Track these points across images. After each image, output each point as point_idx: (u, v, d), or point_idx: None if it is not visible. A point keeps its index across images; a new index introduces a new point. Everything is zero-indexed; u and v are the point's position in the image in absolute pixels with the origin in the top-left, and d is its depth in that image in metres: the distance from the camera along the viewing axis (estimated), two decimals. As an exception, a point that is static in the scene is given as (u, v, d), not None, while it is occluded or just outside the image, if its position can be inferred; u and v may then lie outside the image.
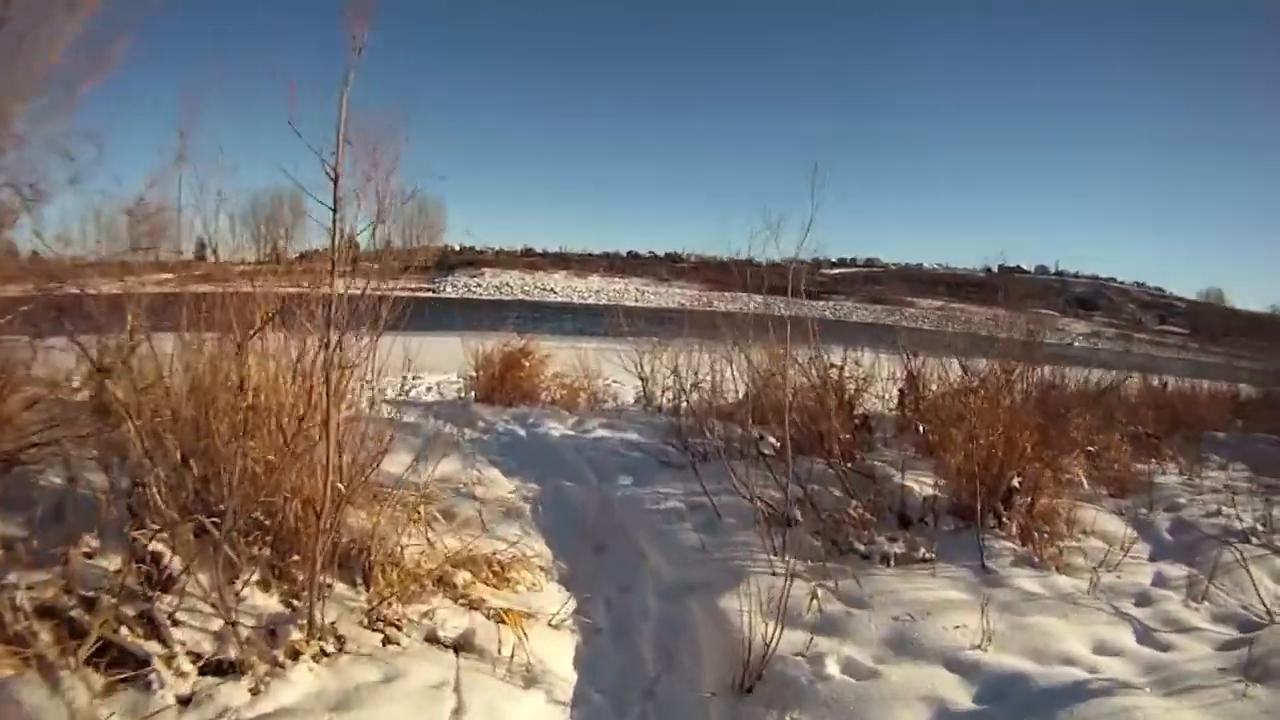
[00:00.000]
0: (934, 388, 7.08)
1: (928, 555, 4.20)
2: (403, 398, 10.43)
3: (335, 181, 2.68)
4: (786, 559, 3.80)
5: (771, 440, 4.91)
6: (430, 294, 65.91)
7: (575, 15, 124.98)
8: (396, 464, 5.17)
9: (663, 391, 8.61)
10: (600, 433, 6.91)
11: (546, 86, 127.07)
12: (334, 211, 2.71)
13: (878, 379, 7.46)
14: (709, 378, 7.56)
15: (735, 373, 6.67)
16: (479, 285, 71.80)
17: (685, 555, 4.04)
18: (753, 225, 5.14)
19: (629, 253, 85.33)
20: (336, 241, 2.86)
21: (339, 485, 3.05)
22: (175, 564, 2.85)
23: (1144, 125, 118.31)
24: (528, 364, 8.76)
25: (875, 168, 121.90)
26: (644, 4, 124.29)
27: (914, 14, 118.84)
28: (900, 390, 7.69)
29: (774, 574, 3.67)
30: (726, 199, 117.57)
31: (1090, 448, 6.01)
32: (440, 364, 10.78)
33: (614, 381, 10.96)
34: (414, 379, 12.78)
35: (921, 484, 5.10)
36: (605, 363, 9.59)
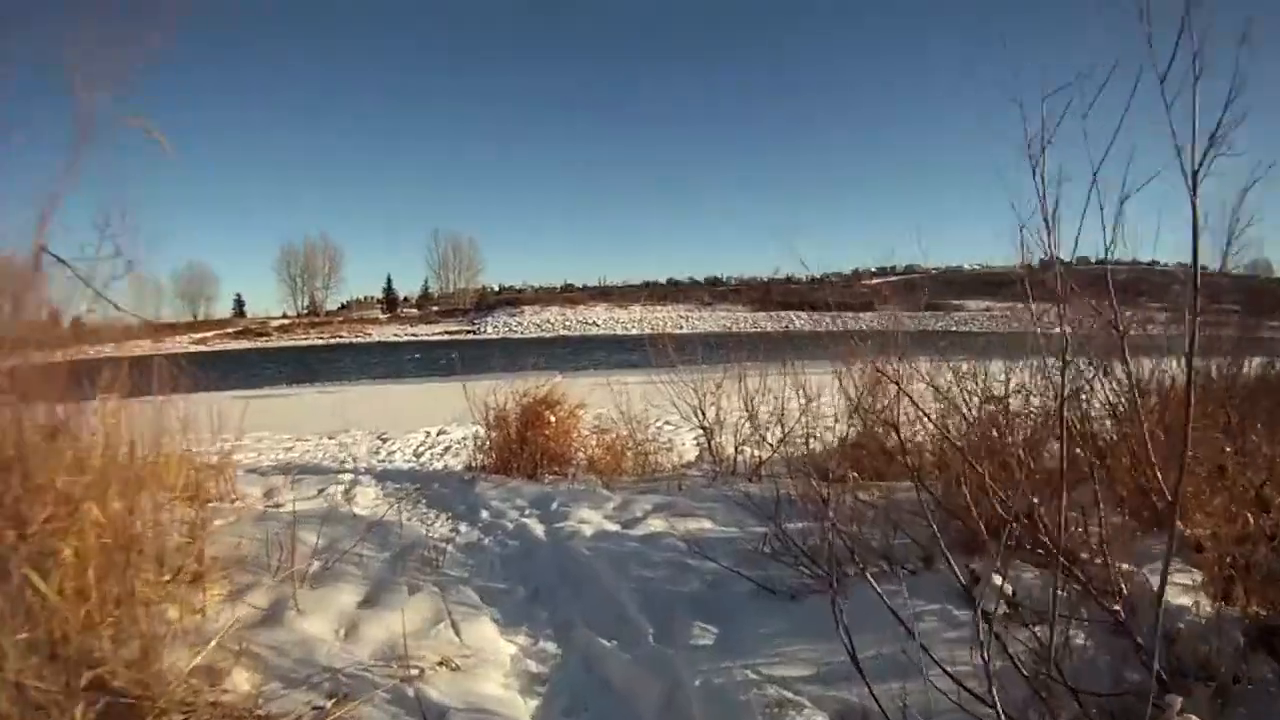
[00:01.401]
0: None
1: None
2: (412, 463, 8.48)
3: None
4: None
5: (1007, 589, 2.70)
6: (470, 335, 65.74)
7: (605, 47, 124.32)
8: (324, 617, 3.15)
9: (738, 444, 6.41)
10: (654, 524, 4.70)
11: (574, 120, 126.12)
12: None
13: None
14: (797, 417, 5.49)
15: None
16: (519, 324, 71.28)
17: None
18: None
19: (669, 280, 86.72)
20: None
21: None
22: None
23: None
24: (554, 418, 6.67)
25: (900, 172, 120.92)
26: (672, 37, 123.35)
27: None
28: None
29: None
30: (762, 219, 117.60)
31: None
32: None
33: (665, 424, 8.85)
34: (439, 434, 10.87)
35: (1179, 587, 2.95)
36: (653, 405, 7.41)
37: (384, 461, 8.49)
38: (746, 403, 6.28)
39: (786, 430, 5.69)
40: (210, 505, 5.96)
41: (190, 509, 5.56)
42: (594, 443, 6.84)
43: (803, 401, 5.87)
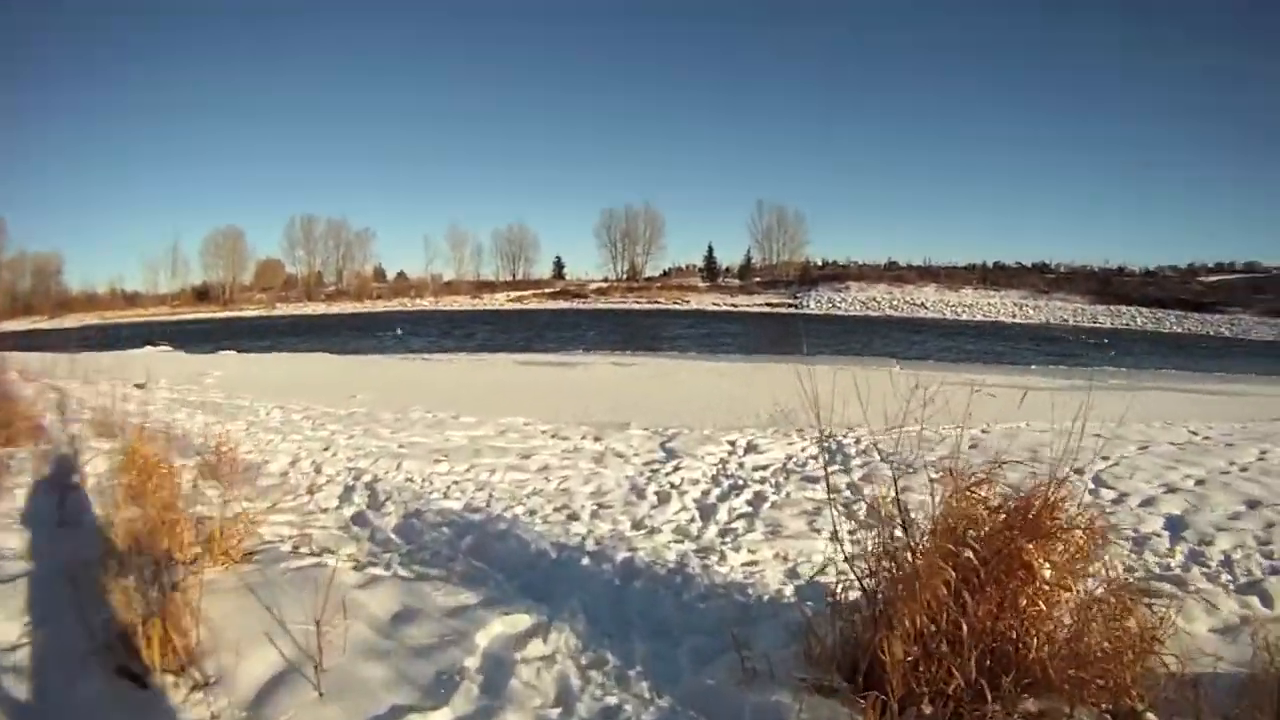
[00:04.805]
0: None
1: None
2: (683, 539, 4.62)
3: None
4: None
5: None
6: (792, 309, 61.81)
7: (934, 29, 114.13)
8: None
9: None
10: None
11: (907, 98, 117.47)
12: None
13: None
14: None
15: None
16: (843, 300, 66.99)
17: None
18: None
19: (995, 264, 79.17)
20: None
21: None
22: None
23: None
24: (1048, 566, 2.34)
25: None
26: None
27: None
28: None
29: None
30: (1091, 205, 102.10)
31: None
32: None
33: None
34: (746, 450, 7.17)
35: None
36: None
37: (641, 528, 4.74)
38: None
39: None
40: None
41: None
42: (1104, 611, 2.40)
43: None
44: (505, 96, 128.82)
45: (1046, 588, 2.42)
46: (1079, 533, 2.52)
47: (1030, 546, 2.39)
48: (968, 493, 2.57)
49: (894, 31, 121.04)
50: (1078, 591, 2.53)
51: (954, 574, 2.30)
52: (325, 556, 3.63)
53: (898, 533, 2.58)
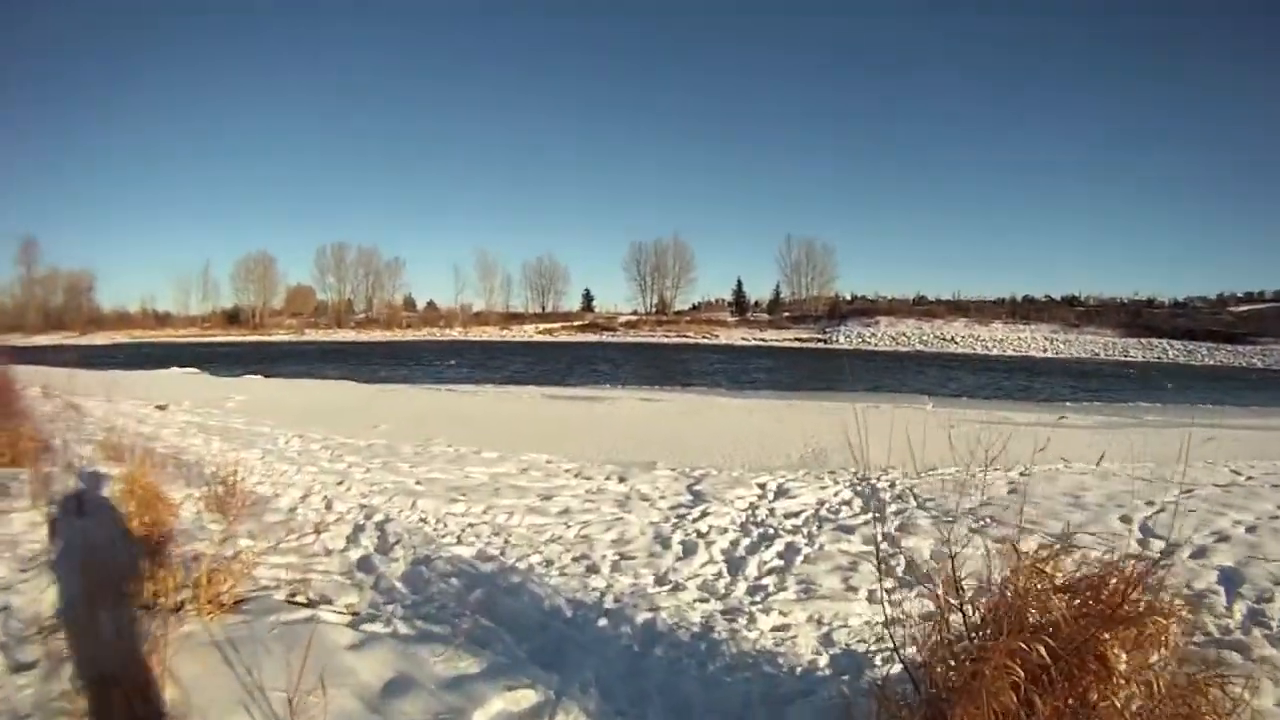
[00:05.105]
0: None
1: None
2: (713, 605, 4.27)
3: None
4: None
5: None
6: (821, 344, 61.40)
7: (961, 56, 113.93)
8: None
9: None
10: None
11: (933, 131, 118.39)
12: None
13: None
14: None
15: None
16: (873, 335, 66.64)
17: None
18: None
19: (1024, 297, 79.08)
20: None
21: None
22: None
23: None
24: (1124, 655, 2.02)
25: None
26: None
27: None
28: None
29: None
30: (1120, 236, 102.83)
31: None
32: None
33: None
34: (777, 495, 6.82)
35: None
36: None
37: (664, 583, 4.44)
38: None
39: None
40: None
41: None
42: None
43: None
44: (535, 128, 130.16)
45: (1122, 681, 2.10)
46: (1159, 618, 2.19)
47: (1107, 637, 2.08)
48: (1033, 567, 2.26)
49: (922, 65, 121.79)
50: (1157, 686, 2.20)
51: (1022, 674, 1.98)
52: (321, 608, 3.37)
53: (953, 617, 2.27)
